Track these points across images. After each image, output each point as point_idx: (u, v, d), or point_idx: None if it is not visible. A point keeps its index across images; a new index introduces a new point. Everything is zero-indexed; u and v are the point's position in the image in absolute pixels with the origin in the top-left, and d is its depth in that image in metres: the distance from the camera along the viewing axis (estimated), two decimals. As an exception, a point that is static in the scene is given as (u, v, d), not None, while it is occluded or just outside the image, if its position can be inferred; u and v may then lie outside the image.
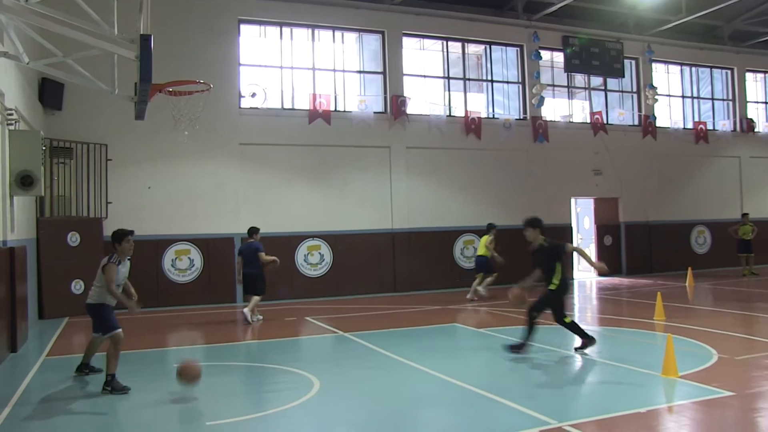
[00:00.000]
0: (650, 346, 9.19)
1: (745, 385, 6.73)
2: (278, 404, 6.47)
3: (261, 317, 12.40)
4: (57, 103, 13.92)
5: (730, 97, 23.09)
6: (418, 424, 5.98)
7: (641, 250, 20.68)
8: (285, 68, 16.72)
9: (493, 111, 19.13)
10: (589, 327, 11.42)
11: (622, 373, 7.45)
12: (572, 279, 19.08)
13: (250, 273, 12.14)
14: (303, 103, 16.74)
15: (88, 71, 9.43)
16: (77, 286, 13.42)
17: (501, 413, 5.99)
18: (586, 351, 8.49)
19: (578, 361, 8.58)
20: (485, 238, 15.03)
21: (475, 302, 14.49)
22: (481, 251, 15.12)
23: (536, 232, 8.47)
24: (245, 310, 12.15)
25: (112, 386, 7.00)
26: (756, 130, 22.98)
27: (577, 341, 8.71)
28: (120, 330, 7.30)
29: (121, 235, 7.41)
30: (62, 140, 13.89)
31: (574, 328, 8.54)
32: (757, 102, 23.91)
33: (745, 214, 20.04)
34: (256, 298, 12.14)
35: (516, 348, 8.47)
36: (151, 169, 15.02)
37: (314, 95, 16.62)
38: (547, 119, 19.43)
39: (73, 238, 13.52)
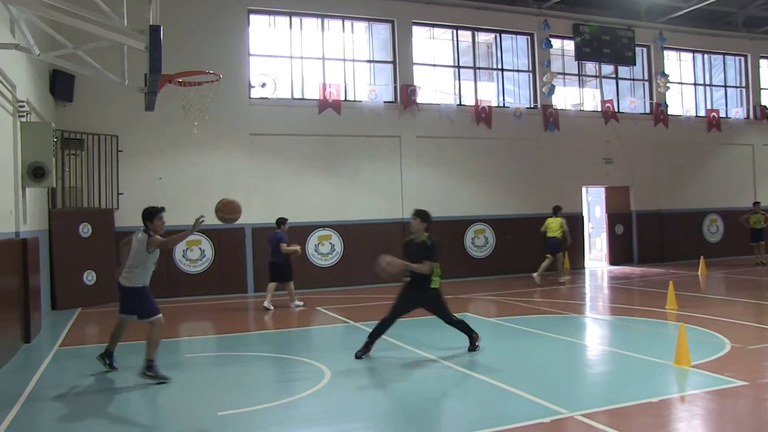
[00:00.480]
0: (662, 335, 9.15)
1: (758, 374, 6.69)
2: (289, 394, 6.49)
3: (272, 307, 12.52)
4: (68, 94, 13.98)
5: (744, 84, 22.81)
6: (429, 413, 5.98)
7: (653, 239, 20.55)
8: (295, 58, 16.67)
9: (504, 100, 19.03)
10: (601, 316, 11.45)
11: (633, 363, 7.43)
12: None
13: (274, 261, 12.77)
14: (313, 93, 16.70)
15: (98, 62, 9.45)
16: (89, 277, 13.52)
17: (512, 403, 5.99)
18: (476, 347, 8.18)
19: (589, 350, 8.57)
20: (557, 221, 15.73)
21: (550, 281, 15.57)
22: (553, 233, 15.72)
23: (423, 225, 8.10)
24: (292, 303, 12.91)
25: (154, 372, 6.90)
26: (770, 117, 22.75)
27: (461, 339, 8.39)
28: (161, 315, 7.20)
29: (153, 212, 7.32)
30: (73, 132, 13.95)
31: (464, 327, 8.27)
32: (771, 89, 23.65)
33: (756, 203, 19.84)
34: (289, 285, 12.88)
35: (364, 350, 8.13)
36: (162, 160, 15.06)
37: (324, 85, 16.58)
38: (558, 108, 19.30)
39: (85, 229, 13.60)
